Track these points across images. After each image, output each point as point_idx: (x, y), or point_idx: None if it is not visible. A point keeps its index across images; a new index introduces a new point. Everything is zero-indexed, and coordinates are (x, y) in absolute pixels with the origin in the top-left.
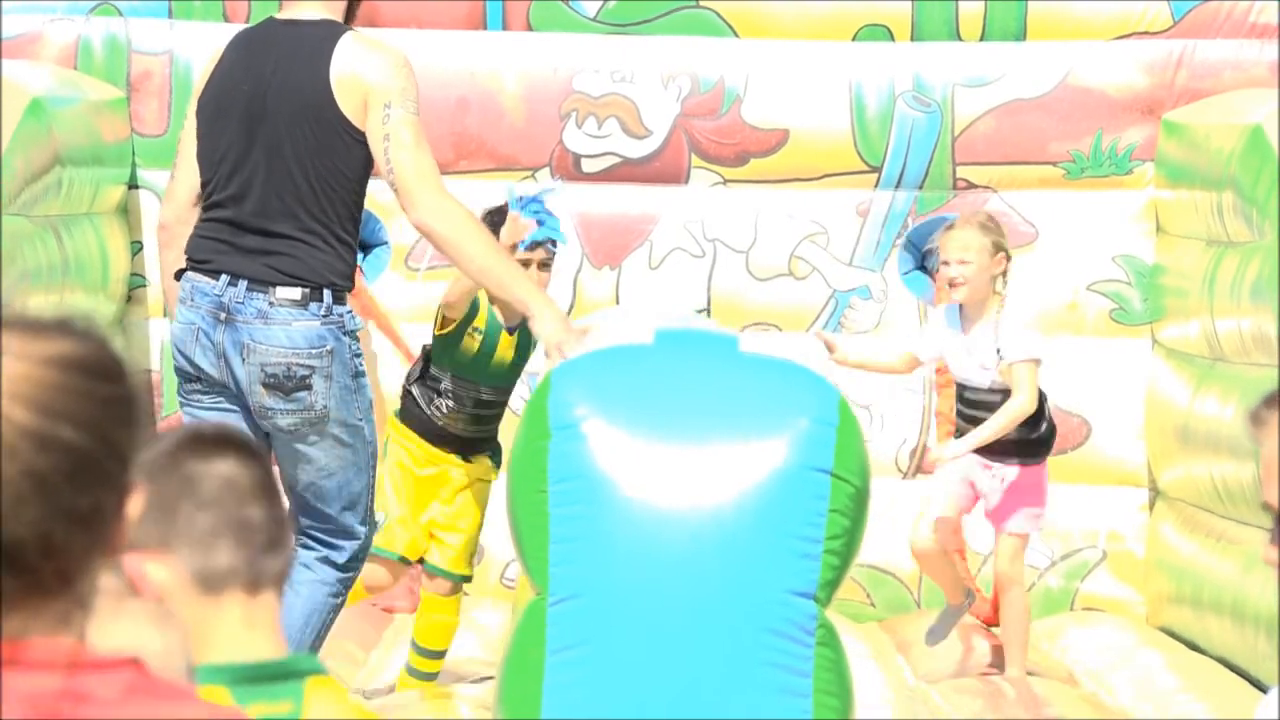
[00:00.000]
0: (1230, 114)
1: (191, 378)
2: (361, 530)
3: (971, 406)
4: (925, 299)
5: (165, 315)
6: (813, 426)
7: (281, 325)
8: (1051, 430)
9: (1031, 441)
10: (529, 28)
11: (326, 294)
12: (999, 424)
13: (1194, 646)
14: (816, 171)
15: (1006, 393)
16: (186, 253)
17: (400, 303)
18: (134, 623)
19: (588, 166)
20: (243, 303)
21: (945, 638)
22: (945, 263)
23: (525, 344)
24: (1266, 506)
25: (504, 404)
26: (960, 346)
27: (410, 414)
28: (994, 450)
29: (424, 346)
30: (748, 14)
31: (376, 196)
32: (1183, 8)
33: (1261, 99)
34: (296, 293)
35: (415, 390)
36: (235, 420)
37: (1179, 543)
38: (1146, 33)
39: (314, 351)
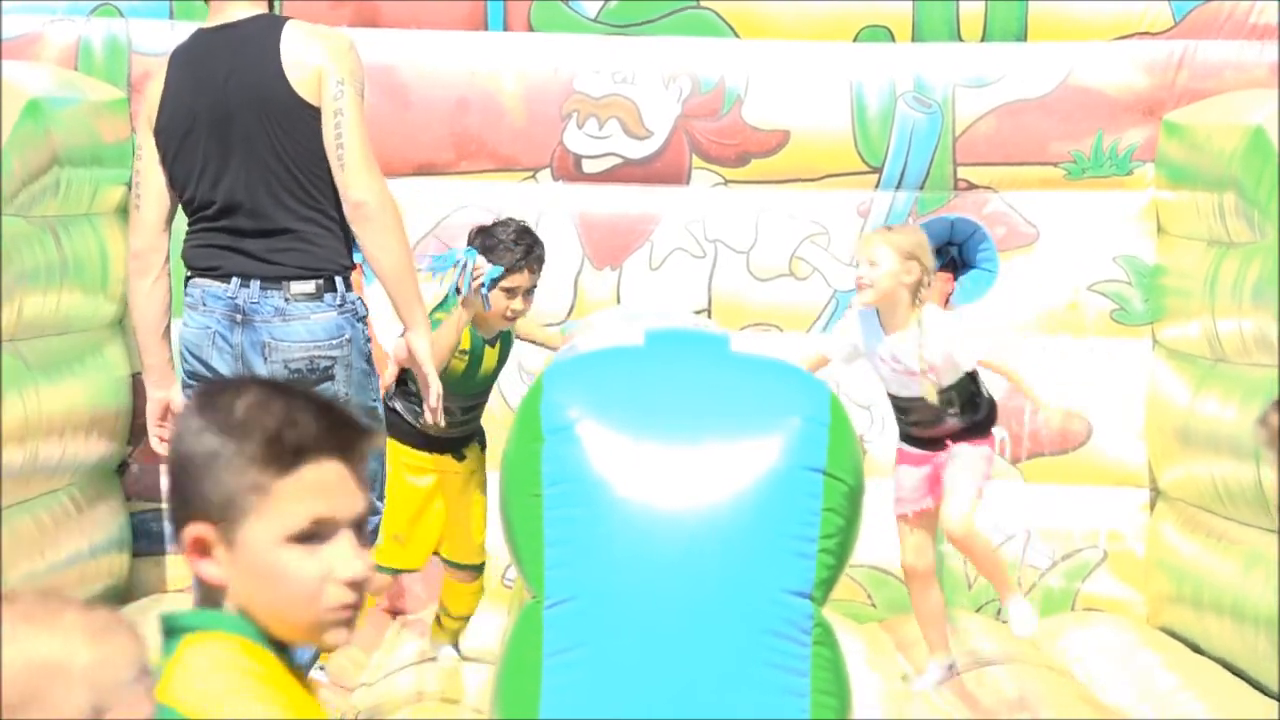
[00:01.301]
0: (1231, 114)
1: (204, 380)
2: (380, 505)
3: (900, 411)
4: None
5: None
6: (805, 425)
7: (300, 320)
8: (991, 410)
9: (970, 428)
10: (530, 28)
11: (338, 282)
12: (1032, 390)
13: (1194, 647)
14: (817, 172)
15: (924, 399)
16: (188, 262)
17: None
18: (65, 634)
19: (588, 167)
20: (258, 303)
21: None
22: (856, 263)
23: (506, 349)
24: (1277, 508)
25: (487, 399)
26: (878, 354)
27: (399, 429)
28: (934, 444)
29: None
30: (748, 15)
31: None
32: (1183, 8)
33: (1262, 99)
34: (310, 285)
35: (399, 405)
36: None
37: (1179, 543)
38: (1147, 33)
39: (334, 342)
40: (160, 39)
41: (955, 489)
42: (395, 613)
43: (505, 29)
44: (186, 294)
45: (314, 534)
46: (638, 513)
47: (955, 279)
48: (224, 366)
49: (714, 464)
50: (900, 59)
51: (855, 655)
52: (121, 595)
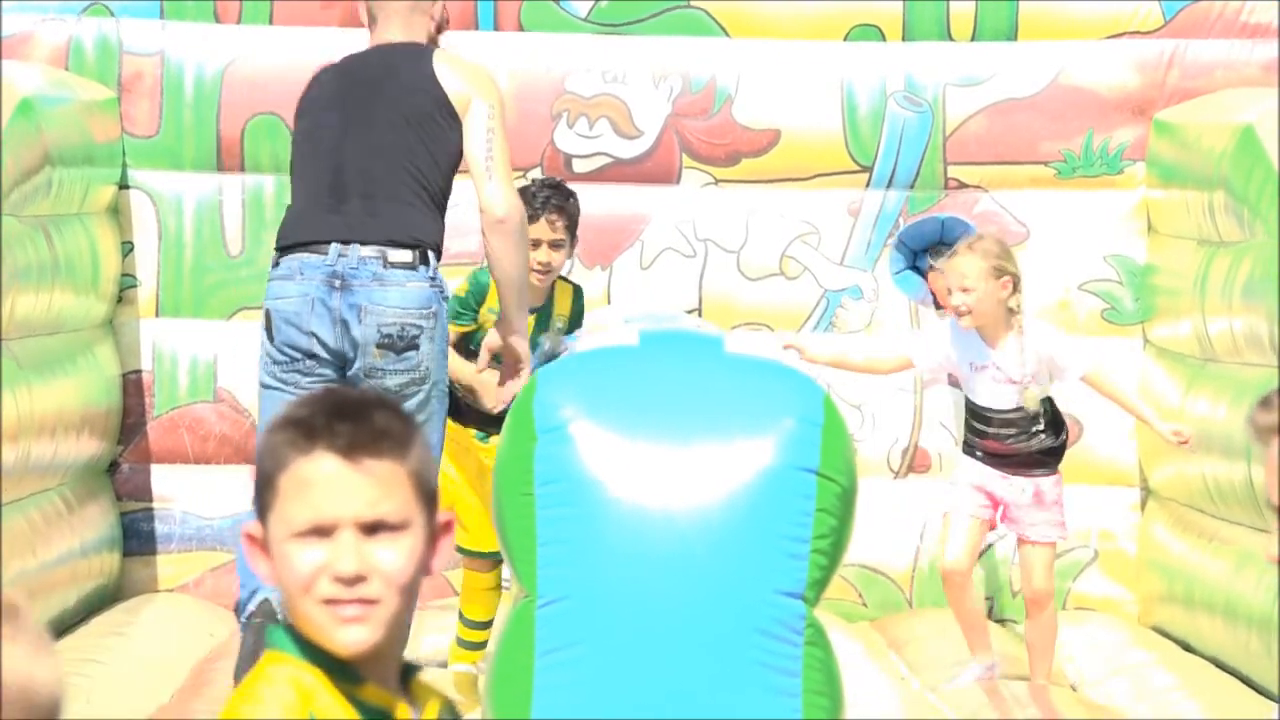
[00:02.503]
0: (1222, 113)
1: (302, 352)
2: None
3: (987, 423)
4: (916, 298)
5: (157, 316)
6: (798, 426)
7: (396, 286)
8: (1066, 437)
9: (1053, 450)
10: (520, 28)
11: (431, 257)
12: (1142, 410)
13: (1185, 645)
14: (808, 171)
15: (1023, 409)
16: (286, 237)
17: None
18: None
19: (579, 167)
20: (356, 268)
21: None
22: (949, 291)
23: (543, 323)
24: (1270, 506)
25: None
26: (981, 372)
27: None
28: (1013, 463)
29: None
30: (739, 14)
31: None
32: (1174, 7)
33: (1253, 98)
34: (408, 254)
35: None
36: None
37: (1170, 542)
38: (1138, 32)
39: (424, 313)
40: (151, 39)
41: (1043, 538)
42: None
43: (496, 29)
44: (278, 268)
45: (316, 530)
46: (630, 512)
47: None
48: (324, 330)
49: (707, 464)
50: (891, 58)
51: (847, 655)
52: (112, 595)
